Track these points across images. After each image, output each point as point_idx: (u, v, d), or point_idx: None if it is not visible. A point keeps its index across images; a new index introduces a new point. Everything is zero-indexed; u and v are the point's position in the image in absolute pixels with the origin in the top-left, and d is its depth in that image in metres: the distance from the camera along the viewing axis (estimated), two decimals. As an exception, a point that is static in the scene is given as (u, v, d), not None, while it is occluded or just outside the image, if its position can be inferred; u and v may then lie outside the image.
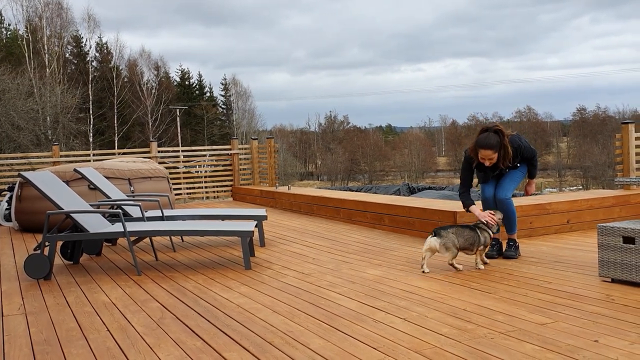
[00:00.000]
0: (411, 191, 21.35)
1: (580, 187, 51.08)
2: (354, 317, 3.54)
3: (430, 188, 22.16)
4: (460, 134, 72.49)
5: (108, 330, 3.48)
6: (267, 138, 12.19)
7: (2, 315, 3.89)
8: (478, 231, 4.72)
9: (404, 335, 3.16)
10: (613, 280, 4.11)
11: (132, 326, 3.53)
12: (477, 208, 5.01)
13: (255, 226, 5.53)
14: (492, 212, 4.93)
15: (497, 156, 4.86)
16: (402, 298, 3.92)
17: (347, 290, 4.21)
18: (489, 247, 4.91)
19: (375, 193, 16.91)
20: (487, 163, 4.88)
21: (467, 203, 5.06)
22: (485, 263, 4.86)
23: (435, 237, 4.59)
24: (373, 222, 7.36)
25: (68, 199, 5.30)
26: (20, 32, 39.71)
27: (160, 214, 6.25)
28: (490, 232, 4.80)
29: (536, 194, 5.26)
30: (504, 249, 5.25)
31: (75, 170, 6.30)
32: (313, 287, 4.33)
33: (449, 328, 3.25)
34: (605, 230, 4.11)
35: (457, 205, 6.52)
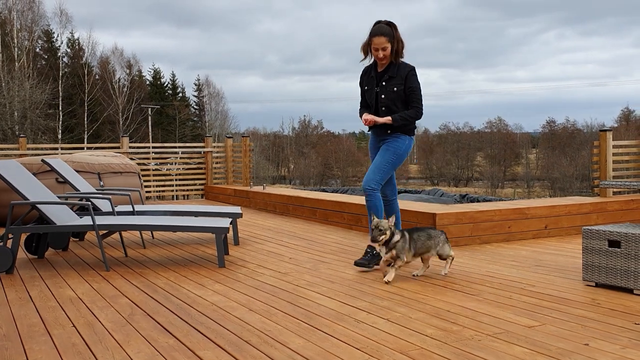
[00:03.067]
0: (387, 195, 21.31)
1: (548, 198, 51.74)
2: (335, 316, 3.39)
3: (406, 191, 22.12)
4: (432, 142, 73.06)
5: (74, 325, 3.27)
6: (243, 136, 11.99)
7: (-41, 309, 3.65)
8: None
9: (387, 335, 3.03)
10: (597, 285, 4.04)
11: (100, 322, 3.32)
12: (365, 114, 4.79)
13: (230, 224, 5.35)
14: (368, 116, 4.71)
15: (390, 49, 4.64)
16: (384, 298, 3.79)
17: (327, 289, 4.06)
18: (395, 259, 4.26)
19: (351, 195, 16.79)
20: (380, 55, 4.65)
21: (362, 112, 4.89)
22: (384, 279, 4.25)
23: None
24: (350, 223, 7.23)
25: (34, 190, 5.05)
26: (-11, 25, 38.75)
27: (131, 209, 6.02)
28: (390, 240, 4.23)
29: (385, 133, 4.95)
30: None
31: (43, 160, 6.04)
32: (291, 286, 4.17)
33: (433, 329, 3.12)
34: (590, 233, 4.04)
35: (435, 208, 6.43)
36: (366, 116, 4.76)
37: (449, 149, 68.39)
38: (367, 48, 4.76)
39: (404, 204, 7.18)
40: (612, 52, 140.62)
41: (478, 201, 18.67)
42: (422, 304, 3.63)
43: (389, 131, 4.80)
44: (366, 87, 4.89)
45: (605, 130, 7.84)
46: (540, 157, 66.88)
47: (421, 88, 4.79)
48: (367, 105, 4.94)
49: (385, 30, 4.65)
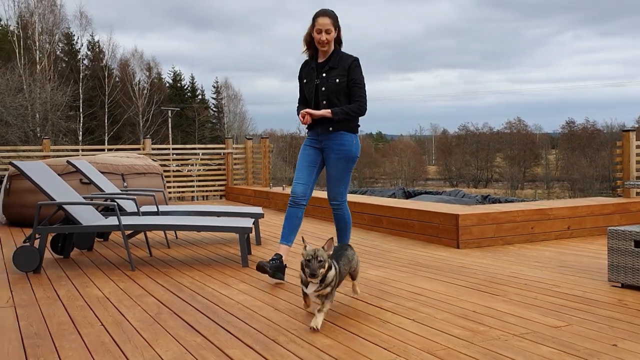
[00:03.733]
0: (407, 195, 21.21)
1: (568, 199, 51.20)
2: (360, 316, 3.41)
3: (427, 192, 22.02)
4: (451, 143, 72.63)
5: (102, 324, 3.32)
6: (262, 138, 12.05)
7: (-10, 307, 3.72)
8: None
9: (413, 335, 3.03)
10: (623, 286, 4.01)
11: (128, 321, 3.37)
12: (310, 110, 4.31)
13: (252, 224, 5.38)
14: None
15: (333, 34, 4.26)
16: (409, 299, 3.79)
17: (350, 290, 4.07)
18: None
19: (370, 196, 16.80)
20: (323, 37, 4.22)
21: (300, 109, 4.43)
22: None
23: None
24: (370, 224, 7.23)
25: (60, 191, 5.13)
26: (11, 28, 39.30)
27: (155, 209, 6.08)
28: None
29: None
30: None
31: (68, 162, 6.12)
32: (314, 286, 4.18)
33: (460, 329, 3.12)
34: (616, 234, 4.01)
35: (457, 209, 6.42)
36: (304, 112, 4.29)
37: (468, 150, 67.96)
38: (308, 38, 4.36)
39: (425, 204, 7.18)
40: (630, 52, 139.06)
41: (500, 202, 18.55)
42: (448, 305, 3.63)
43: (330, 128, 4.31)
44: (305, 80, 4.45)
45: (629, 130, 7.76)
46: (560, 158, 66.20)
47: (365, 82, 4.36)
48: (306, 101, 4.50)
49: (330, 12, 4.30)
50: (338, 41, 4.40)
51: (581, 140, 63.47)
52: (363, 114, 4.37)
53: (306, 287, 3.28)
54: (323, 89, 4.31)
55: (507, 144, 67.95)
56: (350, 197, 8.33)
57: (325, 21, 4.25)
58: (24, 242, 4.90)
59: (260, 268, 4.18)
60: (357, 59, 4.35)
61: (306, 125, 4.43)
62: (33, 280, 4.50)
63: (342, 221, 4.58)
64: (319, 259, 3.20)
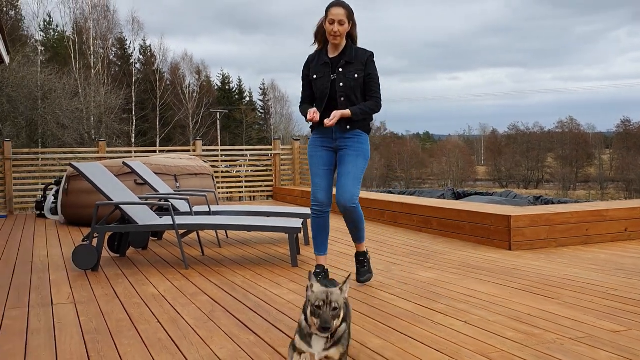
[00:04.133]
0: (457, 196, 20.94)
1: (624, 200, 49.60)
2: (411, 318, 3.40)
3: (477, 194, 21.70)
4: (501, 143, 71.33)
5: (158, 321, 3.41)
6: (308, 139, 12.12)
7: (52, 304, 3.87)
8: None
9: (466, 338, 3.00)
10: (685, 290, 3.87)
11: (183, 318, 3.45)
12: (310, 110, 4.01)
13: (301, 224, 5.43)
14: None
15: (346, 27, 4.01)
16: (460, 301, 3.75)
17: (401, 291, 4.06)
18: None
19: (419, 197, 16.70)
20: (336, 28, 3.96)
21: (308, 111, 4.05)
22: None
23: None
24: (419, 226, 7.18)
25: (117, 191, 5.29)
26: (67, 34, 40.64)
27: (207, 209, 6.20)
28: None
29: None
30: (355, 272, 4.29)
31: (124, 163, 6.31)
32: (364, 287, 4.20)
33: (513, 332, 3.08)
34: (678, 236, 3.87)
35: (509, 210, 6.31)
36: (334, 116, 3.95)
37: (518, 150, 66.61)
38: (320, 30, 4.13)
39: (476, 205, 7.09)
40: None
41: (553, 203, 18.12)
42: (501, 307, 3.58)
43: (348, 127, 4.07)
44: (315, 76, 4.11)
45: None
46: (614, 158, 64.18)
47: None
48: (312, 100, 4.22)
49: (345, 4, 4.04)
50: (352, 38, 4.15)
51: (637, 139, 61.37)
52: (379, 111, 4.14)
53: (309, 344, 2.38)
54: (341, 84, 4.04)
55: (558, 143, 66.29)
56: (399, 198, 8.30)
57: (338, 11, 3.99)
58: (83, 241, 5.08)
59: None
60: (373, 54, 4.13)
61: (310, 124, 4.20)
62: (92, 278, 4.65)
63: (358, 220, 4.15)
64: (333, 305, 2.33)
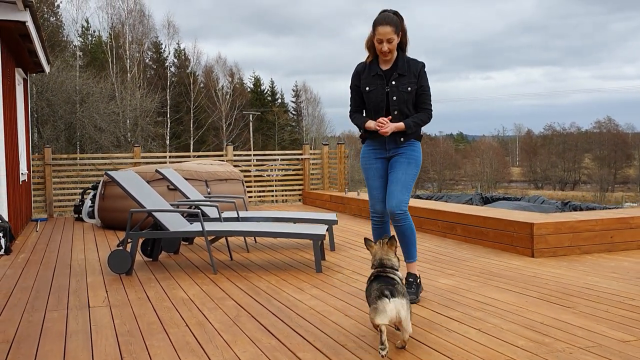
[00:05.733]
0: (484, 201, 20.85)
1: (664, 202, 48.45)
2: (427, 325, 3.53)
3: (505, 198, 21.56)
4: (536, 143, 70.34)
5: (187, 325, 3.61)
6: (338, 144, 12.28)
7: (89, 306, 4.11)
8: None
9: (478, 345, 3.13)
10: (702, 300, 3.90)
11: (210, 322, 3.65)
12: (371, 121, 4.10)
13: (326, 230, 5.59)
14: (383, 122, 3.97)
15: (395, 42, 4.01)
16: (477, 309, 3.87)
17: (420, 298, 4.19)
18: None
19: (446, 202, 16.72)
20: (385, 47, 3.98)
21: (363, 121, 4.15)
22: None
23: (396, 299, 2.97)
24: (444, 231, 7.28)
25: (150, 198, 5.53)
26: (104, 39, 41.61)
27: (236, 215, 6.41)
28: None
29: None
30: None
31: (157, 171, 6.56)
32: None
33: (525, 340, 3.18)
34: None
35: (533, 217, 6.36)
36: (389, 129, 4.02)
37: (554, 151, 65.64)
38: (370, 45, 4.13)
39: (500, 212, 7.14)
40: None
41: (581, 209, 17.92)
42: (516, 316, 3.68)
43: (402, 139, 4.12)
44: (368, 88, 4.13)
45: None
46: (654, 159, 62.70)
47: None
48: (362, 109, 4.26)
49: (391, 19, 3.99)
50: (402, 45, 4.14)
51: (678, 139, 59.90)
52: (429, 122, 4.22)
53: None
54: (394, 98, 4.07)
55: (596, 144, 65.10)
56: (424, 204, 8.39)
57: (385, 30, 3.97)
58: (118, 246, 5.33)
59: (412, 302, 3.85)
60: (424, 65, 4.16)
61: (360, 135, 4.29)
62: (126, 282, 4.90)
63: (408, 231, 4.14)
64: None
